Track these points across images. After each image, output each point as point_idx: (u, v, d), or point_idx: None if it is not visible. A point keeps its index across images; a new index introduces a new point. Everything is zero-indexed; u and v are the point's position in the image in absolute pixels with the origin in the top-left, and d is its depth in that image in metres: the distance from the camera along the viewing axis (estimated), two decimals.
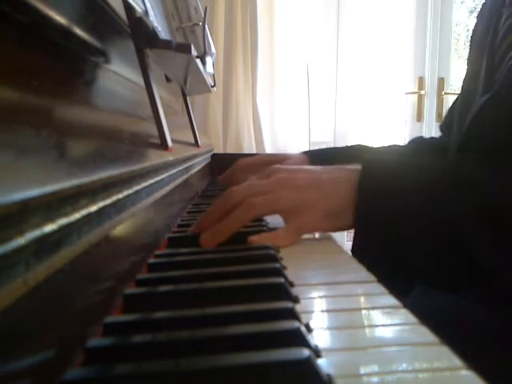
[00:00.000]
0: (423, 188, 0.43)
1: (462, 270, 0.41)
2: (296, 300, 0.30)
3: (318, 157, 0.82)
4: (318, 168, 0.49)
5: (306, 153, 0.85)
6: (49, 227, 0.18)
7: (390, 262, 0.44)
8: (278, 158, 0.78)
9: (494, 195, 0.41)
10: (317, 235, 0.50)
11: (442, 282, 0.44)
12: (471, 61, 0.69)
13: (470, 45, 0.73)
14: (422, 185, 0.43)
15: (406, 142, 0.90)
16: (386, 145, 0.85)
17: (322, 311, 0.29)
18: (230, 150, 1.66)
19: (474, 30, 0.74)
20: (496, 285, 0.41)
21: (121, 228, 0.30)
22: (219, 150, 1.63)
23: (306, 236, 0.48)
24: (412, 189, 0.43)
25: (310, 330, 0.26)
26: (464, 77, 0.71)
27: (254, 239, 0.44)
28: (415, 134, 2.04)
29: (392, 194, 0.43)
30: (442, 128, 0.85)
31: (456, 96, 0.77)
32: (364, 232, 0.44)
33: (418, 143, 0.87)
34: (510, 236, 0.40)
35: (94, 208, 0.24)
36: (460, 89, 0.73)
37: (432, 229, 0.41)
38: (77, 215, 0.21)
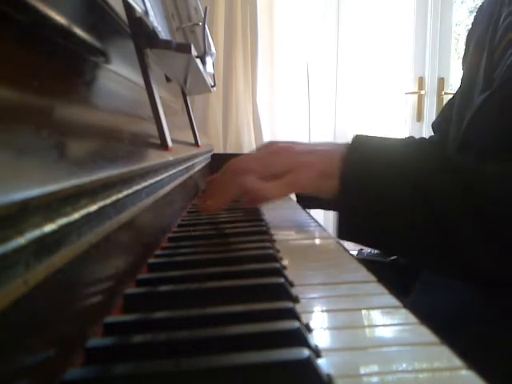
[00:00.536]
0: (404, 159, 0.45)
1: (440, 242, 0.42)
2: (296, 300, 0.30)
3: None
4: (310, 142, 0.52)
5: None
6: (49, 227, 0.18)
7: (372, 230, 0.45)
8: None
9: (478, 178, 0.43)
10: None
11: (418, 253, 0.45)
12: (469, 60, 0.69)
13: (467, 45, 0.73)
14: (402, 157, 0.45)
15: None
16: None
17: (322, 311, 0.29)
18: (230, 150, 1.66)
19: (470, 32, 0.74)
20: (478, 269, 0.42)
21: (121, 228, 0.30)
22: (219, 149, 1.63)
23: (305, 236, 0.48)
24: (394, 160, 0.45)
25: (309, 330, 0.26)
26: (462, 76, 0.71)
27: (247, 199, 0.47)
28: (415, 134, 2.04)
29: (374, 164, 0.45)
30: (433, 126, 0.85)
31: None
32: (346, 196, 0.45)
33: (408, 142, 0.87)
34: (489, 220, 0.41)
35: (93, 208, 0.24)
36: (458, 88, 0.73)
37: (412, 200, 0.43)
38: (77, 215, 0.21)
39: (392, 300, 0.30)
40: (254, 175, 0.47)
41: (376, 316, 0.28)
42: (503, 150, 0.51)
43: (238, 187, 0.48)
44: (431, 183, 0.42)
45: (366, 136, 0.49)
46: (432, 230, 0.42)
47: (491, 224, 0.41)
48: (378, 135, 0.51)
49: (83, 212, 0.22)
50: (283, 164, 0.47)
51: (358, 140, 0.48)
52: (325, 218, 1.55)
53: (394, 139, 0.51)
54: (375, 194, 0.44)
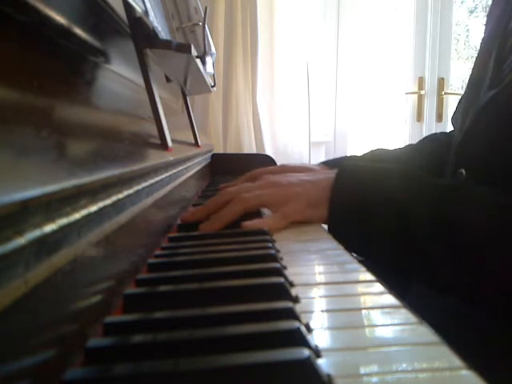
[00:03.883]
0: (381, 186, 0.51)
1: (407, 254, 0.49)
2: (296, 300, 0.30)
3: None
4: (299, 173, 0.58)
5: (324, 163, 0.80)
6: (49, 227, 0.18)
7: (353, 240, 0.51)
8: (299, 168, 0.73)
9: (444, 198, 0.48)
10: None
11: (390, 263, 0.52)
12: (479, 56, 0.68)
13: (481, 42, 0.71)
14: (381, 185, 0.51)
15: (409, 142, 0.90)
16: (402, 146, 0.86)
17: (322, 311, 0.29)
18: (230, 150, 1.66)
19: (485, 28, 0.72)
20: (442, 277, 0.47)
21: (121, 228, 0.30)
22: (219, 149, 1.62)
23: (306, 237, 0.48)
24: (373, 188, 0.51)
25: (310, 330, 0.26)
26: (470, 73, 0.70)
27: (248, 224, 0.49)
28: (415, 134, 2.05)
29: (358, 188, 0.52)
30: (452, 121, 0.84)
31: (460, 94, 0.75)
32: (335, 212, 0.52)
33: (430, 140, 0.86)
34: (452, 231, 0.46)
35: (93, 208, 0.24)
36: (466, 86, 0.71)
37: (385, 216, 0.49)
38: (77, 215, 0.21)
39: (392, 300, 0.30)
40: (251, 203, 0.52)
41: (376, 316, 0.28)
42: (502, 151, 0.51)
43: (236, 215, 0.51)
44: (409, 211, 0.48)
45: (353, 165, 0.55)
46: (413, 254, 0.48)
47: (462, 250, 0.45)
48: (366, 160, 0.58)
49: (83, 212, 0.22)
50: (274, 195, 0.52)
51: (345, 170, 0.54)
52: None
53: (380, 165, 0.58)
54: (360, 220, 0.50)
